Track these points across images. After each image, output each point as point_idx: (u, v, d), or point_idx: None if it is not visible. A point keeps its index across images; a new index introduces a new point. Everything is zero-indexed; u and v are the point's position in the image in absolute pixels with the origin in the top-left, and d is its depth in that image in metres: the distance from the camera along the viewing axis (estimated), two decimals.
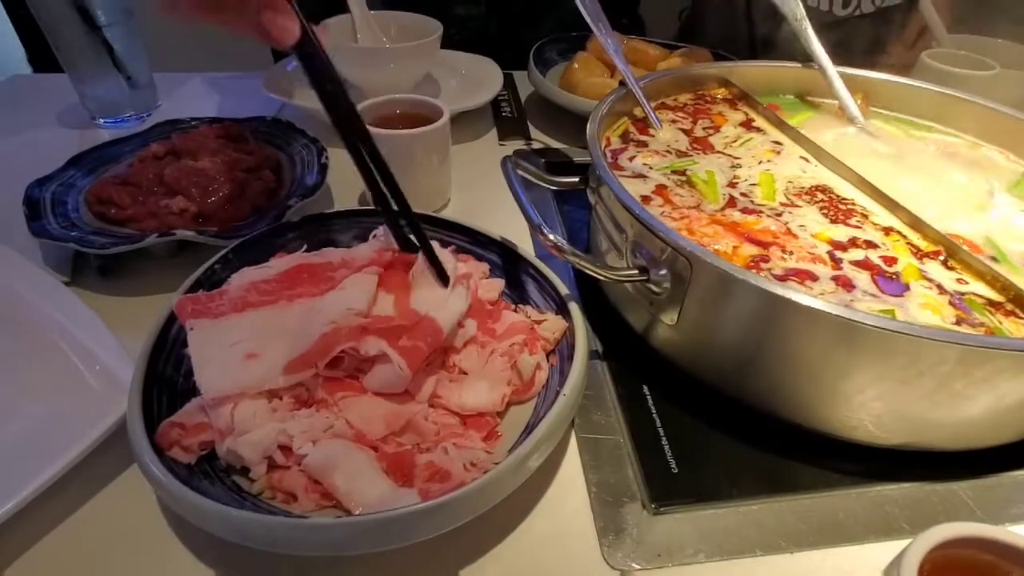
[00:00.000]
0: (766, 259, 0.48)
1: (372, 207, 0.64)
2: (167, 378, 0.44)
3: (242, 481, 0.40)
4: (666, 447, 0.47)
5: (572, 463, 0.46)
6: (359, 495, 0.38)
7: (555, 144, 0.87)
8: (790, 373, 0.44)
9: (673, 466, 0.45)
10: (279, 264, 0.46)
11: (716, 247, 0.49)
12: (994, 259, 0.50)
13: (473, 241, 0.56)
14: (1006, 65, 0.92)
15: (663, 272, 0.46)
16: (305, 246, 0.53)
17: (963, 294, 0.46)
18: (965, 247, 0.49)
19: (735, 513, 0.43)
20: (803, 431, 0.46)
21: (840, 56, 0.70)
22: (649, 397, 0.50)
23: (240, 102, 0.90)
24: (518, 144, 0.86)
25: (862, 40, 0.99)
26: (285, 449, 0.40)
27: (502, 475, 0.36)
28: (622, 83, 0.66)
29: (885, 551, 0.40)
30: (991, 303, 0.45)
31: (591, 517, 0.43)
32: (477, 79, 0.92)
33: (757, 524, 0.42)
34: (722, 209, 0.53)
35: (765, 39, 1.07)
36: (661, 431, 0.48)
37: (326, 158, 0.69)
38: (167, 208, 0.61)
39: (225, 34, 0.40)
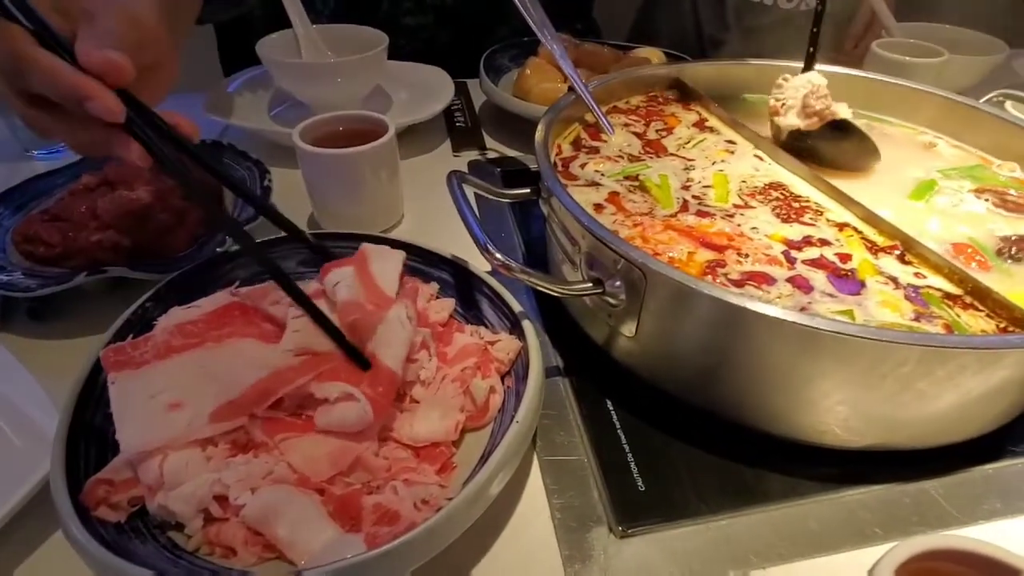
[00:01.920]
0: (722, 263, 0.47)
1: (320, 230, 0.62)
2: (96, 428, 0.41)
3: (178, 537, 0.37)
4: (632, 464, 0.45)
5: (535, 488, 0.44)
6: (303, 545, 0.35)
7: (511, 153, 0.85)
8: (753, 381, 0.43)
9: (640, 484, 0.44)
10: (207, 303, 0.43)
11: (671, 254, 0.47)
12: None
13: (423, 260, 0.54)
14: (956, 51, 0.93)
15: (618, 284, 0.44)
16: (238, 282, 0.50)
17: (919, 288, 0.45)
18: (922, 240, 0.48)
19: (705, 530, 0.41)
20: (771, 438, 0.45)
21: (786, 52, 0.70)
22: (613, 413, 0.48)
23: None
24: (473, 155, 0.84)
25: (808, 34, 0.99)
26: (222, 500, 0.37)
27: (453, 514, 0.34)
28: (571, 88, 0.64)
29: (859, 559, 0.39)
30: (948, 296, 0.44)
31: (556, 545, 0.41)
32: (428, 90, 0.90)
33: (727, 540, 0.41)
34: (675, 214, 0.52)
35: (712, 38, 1.07)
36: (626, 447, 0.46)
37: (269, 180, 0.66)
38: (99, 243, 0.58)
39: None
